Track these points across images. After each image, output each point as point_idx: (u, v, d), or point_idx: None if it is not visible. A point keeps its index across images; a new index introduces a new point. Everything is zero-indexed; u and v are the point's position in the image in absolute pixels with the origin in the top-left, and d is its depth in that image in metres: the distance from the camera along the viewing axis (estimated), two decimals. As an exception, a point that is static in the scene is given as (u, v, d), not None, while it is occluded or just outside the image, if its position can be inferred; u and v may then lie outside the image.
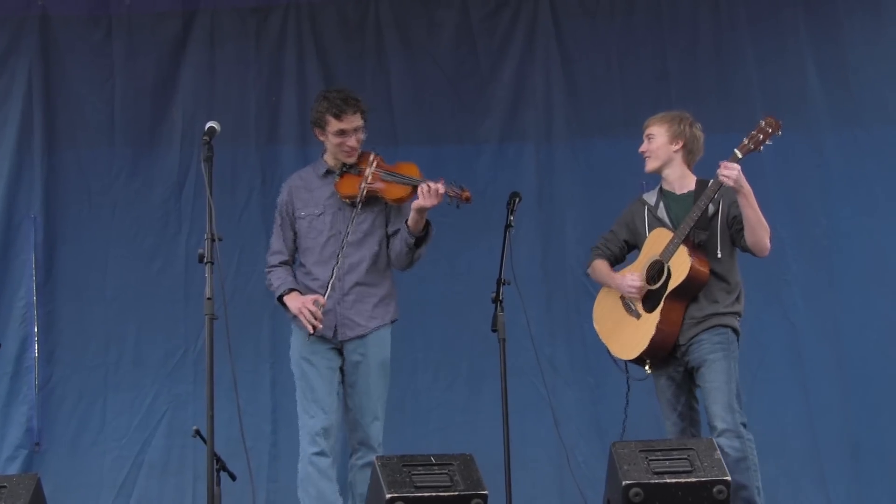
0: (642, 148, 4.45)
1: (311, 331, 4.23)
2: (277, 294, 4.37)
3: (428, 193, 4.17)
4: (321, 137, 4.43)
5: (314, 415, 4.26)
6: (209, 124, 4.02)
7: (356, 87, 5.59)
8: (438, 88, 5.72)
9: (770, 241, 4.30)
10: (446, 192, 4.21)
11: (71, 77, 5.67)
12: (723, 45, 5.70)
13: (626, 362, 4.45)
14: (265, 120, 5.69)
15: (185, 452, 5.37)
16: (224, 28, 5.73)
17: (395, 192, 4.32)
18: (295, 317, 4.34)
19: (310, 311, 4.22)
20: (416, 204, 4.23)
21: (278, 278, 4.41)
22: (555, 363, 5.49)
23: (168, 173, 5.63)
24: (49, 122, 5.63)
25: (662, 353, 4.35)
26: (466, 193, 4.26)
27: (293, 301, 4.31)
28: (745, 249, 4.35)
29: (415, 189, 4.26)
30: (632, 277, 4.38)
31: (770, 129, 4.26)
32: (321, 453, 4.24)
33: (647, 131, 4.45)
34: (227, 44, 5.73)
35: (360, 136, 4.38)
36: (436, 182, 4.22)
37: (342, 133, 4.33)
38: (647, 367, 4.37)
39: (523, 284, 4.43)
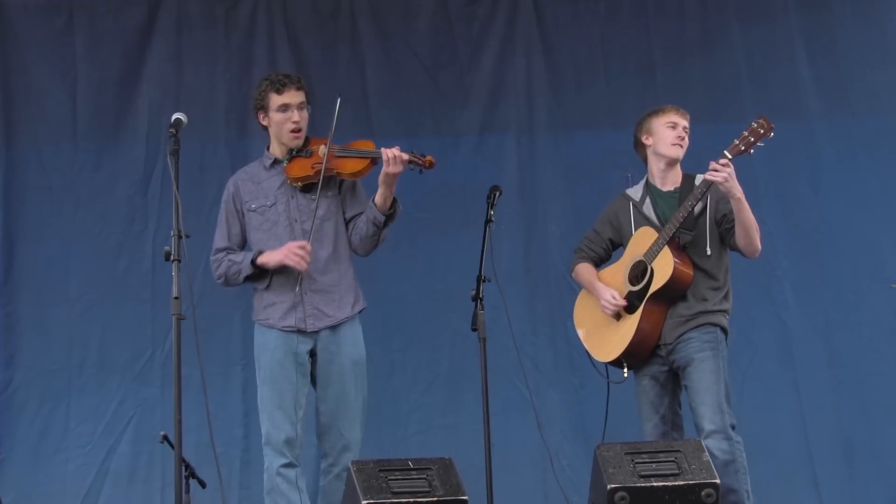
0: (680, 134, 4.39)
1: (305, 267, 4.17)
2: (248, 260, 4.25)
3: (393, 160, 4.15)
4: (265, 122, 4.38)
5: (280, 425, 4.22)
6: (175, 116, 4.00)
7: (330, 77, 5.65)
8: (415, 78, 5.72)
9: (760, 240, 4.33)
10: (409, 159, 4.19)
11: (30, 68, 5.63)
12: (710, 32, 5.72)
13: (605, 364, 4.46)
14: (235, 112, 5.67)
15: (153, 459, 5.36)
16: (191, 16, 5.71)
17: (351, 165, 4.26)
18: (263, 304, 4.28)
19: (296, 253, 4.17)
20: (381, 176, 4.20)
21: (237, 255, 4.31)
22: (538, 363, 5.51)
23: (133, 168, 5.61)
24: (7, 115, 5.60)
25: (641, 355, 4.37)
26: (429, 158, 4.23)
27: (273, 254, 4.22)
28: (735, 249, 4.37)
29: (373, 161, 4.24)
30: (611, 294, 4.39)
31: (762, 130, 4.26)
32: (289, 465, 4.21)
33: (686, 122, 4.41)
34: (194, 32, 5.71)
35: (305, 115, 4.34)
36: (392, 148, 4.19)
37: (285, 107, 4.31)
38: (625, 369, 4.39)
39: (504, 281, 4.43)
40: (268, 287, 4.32)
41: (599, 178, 5.40)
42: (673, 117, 4.43)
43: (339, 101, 4.26)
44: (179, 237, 3.84)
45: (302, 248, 4.19)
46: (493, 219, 4.40)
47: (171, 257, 3.83)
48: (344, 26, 5.71)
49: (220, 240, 4.38)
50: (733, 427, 4.26)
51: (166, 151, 3.98)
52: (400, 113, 5.68)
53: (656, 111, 4.47)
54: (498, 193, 4.45)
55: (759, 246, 4.33)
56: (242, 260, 4.30)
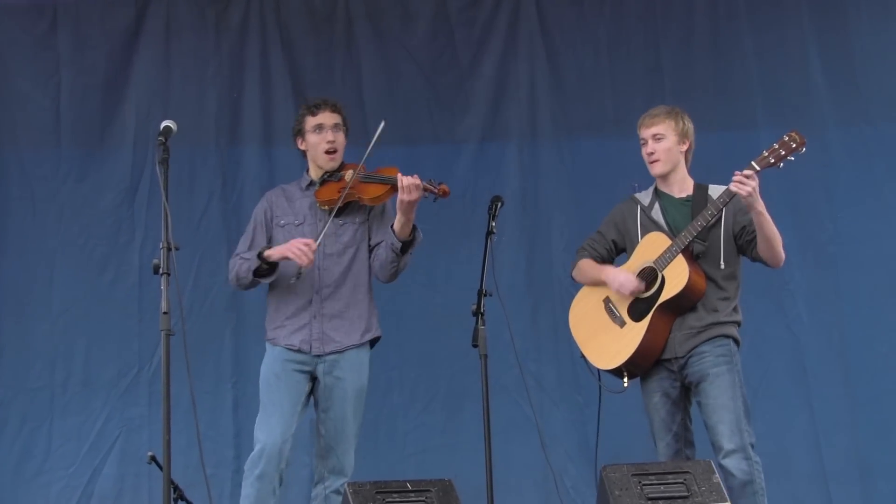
0: (650, 149, 4.40)
1: (305, 263, 4.28)
2: (255, 255, 4.36)
3: (410, 187, 4.27)
4: (303, 146, 4.55)
5: (258, 437, 4.31)
6: (165, 123, 4.01)
7: (325, 83, 5.67)
8: (414, 84, 5.74)
9: (784, 248, 4.33)
10: (425, 187, 4.31)
11: (12, 72, 5.64)
12: (720, 35, 5.74)
13: (599, 371, 4.46)
14: (225, 119, 5.68)
15: (140, 481, 5.35)
16: (181, 18, 5.72)
17: (370, 190, 4.40)
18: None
19: (299, 248, 4.28)
20: (398, 203, 4.32)
21: (247, 255, 4.43)
22: (541, 381, 5.51)
23: (120, 177, 5.62)
24: (-12, 121, 5.63)
25: (644, 365, 4.37)
26: (444, 187, 4.36)
27: (278, 249, 4.34)
28: (757, 260, 4.37)
29: (392, 188, 4.36)
30: (627, 276, 4.36)
31: (794, 144, 4.23)
32: (261, 476, 4.27)
33: (654, 130, 4.40)
34: (184, 35, 5.72)
35: (341, 137, 4.51)
36: (412, 176, 4.31)
37: (319, 128, 4.48)
38: (626, 379, 4.40)
39: (506, 295, 4.43)
40: (277, 308, 4.43)
41: (605, 188, 5.39)
42: (641, 132, 4.44)
43: (382, 125, 4.38)
44: (168, 249, 3.84)
45: (307, 244, 4.30)
46: (494, 230, 4.40)
47: (160, 270, 3.83)
48: (339, 30, 5.73)
49: (242, 245, 4.53)
50: (752, 446, 4.25)
51: (154, 160, 3.99)
52: (398, 120, 5.66)
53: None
54: (499, 204, 4.46)
55: (783, 254, 4.33)
56: (251, 256, 4.42)
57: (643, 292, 4.36)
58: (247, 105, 5.67)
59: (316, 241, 4.33)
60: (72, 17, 5.67)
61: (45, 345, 5.50)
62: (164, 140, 3.97)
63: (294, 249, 4.30)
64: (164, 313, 3.80)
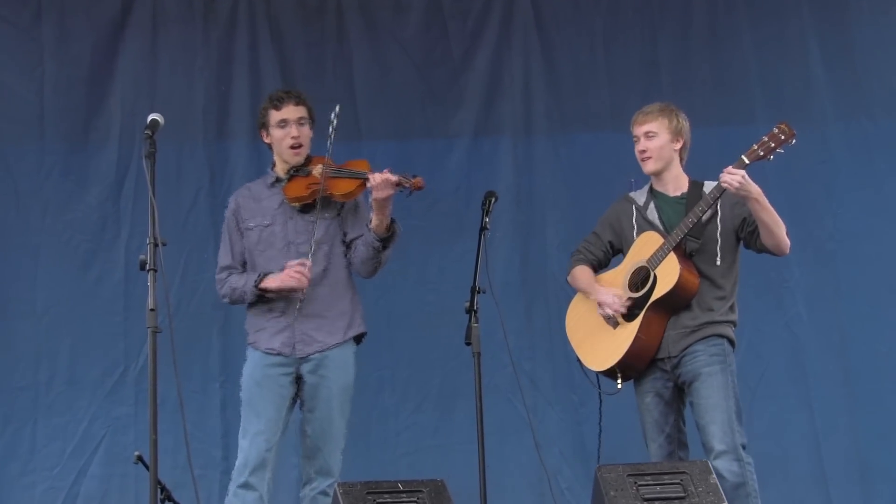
0: (641, 147, 4.41)
1: (304, 286, 4.28)
2: (252, 283, 4.36)
3: (380, 184, 4.26)
4: (268, 140, 4.52)
5: (242, 446, 4.32)
6: (151, 116, 4.00)
7: (315, 76, 5.67)
8: (406, 77, 5.74)
9: (788, 234, 4.33)
10: (398, 181, 4.29)
11: (-6, 64, 5.65)
12: (718, 28, 5.75)
13: (597, 374, 4.47)
14: (214, 112, 5.68)
15: (126, 482, 5.35)
16: (168, 9, 5.71)
17: (342, 186, 4.39)
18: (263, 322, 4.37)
19: (296, 270, 4.28)
20: (372, 201, 4.31)
21: (240, 276, 4.43)
22: (535, 380, 5.51)
23: (105, 171, 5.60)
24: (-30, 114, 5.61)
25: (638, 366, 4.37)
26: (418, 181, 4.33)
27: (273, 280, 4.34)
28: (762, 251, 4.38)
29: (364, 182, 4.34)
30: (613, 298, 4.40)
31: (783, 136, 4.24)
32: (246, 485, 4.28)
33: (646, 128, 4.42)
34: (171, 27, 5.71)
35: (306, 130, 4.48)
36: (382, 172, 4.29)
37: (283, 123, 4.44)
38: (619, 380, 4.40)
39: (500, 293, 4.44)
40: (258, 311, 4.42)
41: (600, 184, 5.40)
42: (633, 130, 4.46)
43: (336, 109, 4.36)
44: (155, 245, 3.84)
45: (301, 264, 4.30)
46: (488, 226, 4.40)
47: (147, 266, 3.83)
48: (330, 22, 5.72)
49: (224, 257, 4.50)
50: (744, 447, 4.24)
51: (141, 154, 4.00)
52: (390, 114, 5.69)
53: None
54: (493, 199, 4.45)
55: (787, 241, 4.33)
56: (245, 284, 4.41)
57: (631, 294, 4.37)
58: (235, 98, 5.66)
59: (308, 258, 4.29)
60: (56, 7, 5.65)
61: (28, 343, 5.48)
62: (150, 134, 3.96)
63: (289, 279, 4.30)
64: (151, 310, 3.78)
